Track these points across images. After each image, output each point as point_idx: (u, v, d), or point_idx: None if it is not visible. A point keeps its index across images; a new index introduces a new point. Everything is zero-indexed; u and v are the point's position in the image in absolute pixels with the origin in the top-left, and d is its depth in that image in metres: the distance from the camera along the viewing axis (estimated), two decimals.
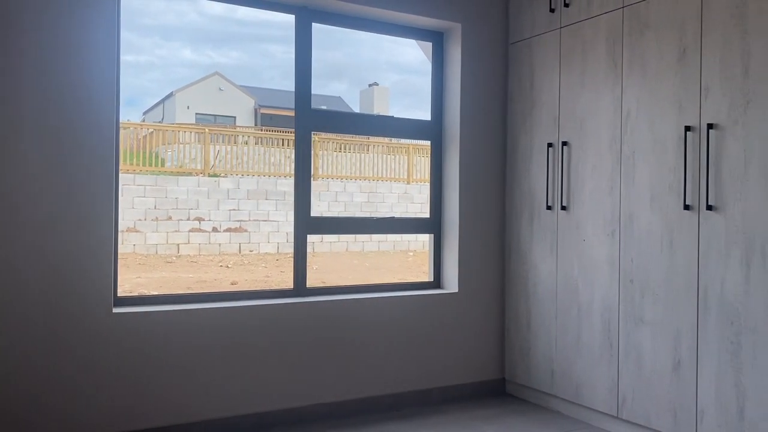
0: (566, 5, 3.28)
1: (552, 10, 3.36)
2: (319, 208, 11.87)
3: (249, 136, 13.81)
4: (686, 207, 2.69)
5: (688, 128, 2.69)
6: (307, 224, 3.33)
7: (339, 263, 10.99)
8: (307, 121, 3.34)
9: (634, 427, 2.95)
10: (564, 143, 3.31)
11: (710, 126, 2.60)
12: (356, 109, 26.26)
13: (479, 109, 3.65)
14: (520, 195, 3.61)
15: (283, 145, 13.21)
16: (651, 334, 2.85)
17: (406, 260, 11.77)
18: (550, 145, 3.39)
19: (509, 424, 3.17)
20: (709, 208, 2.61)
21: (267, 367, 3.07)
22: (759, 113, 2.44)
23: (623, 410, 2.97)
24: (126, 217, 10.64)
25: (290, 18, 3.32)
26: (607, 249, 3.07)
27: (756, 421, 2.44)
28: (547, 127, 3.43)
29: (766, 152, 2.42)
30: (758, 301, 2.44)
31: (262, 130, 17.11)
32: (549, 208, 3.39)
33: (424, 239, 11.10)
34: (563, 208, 3.31)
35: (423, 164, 13.84)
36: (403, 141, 13.93)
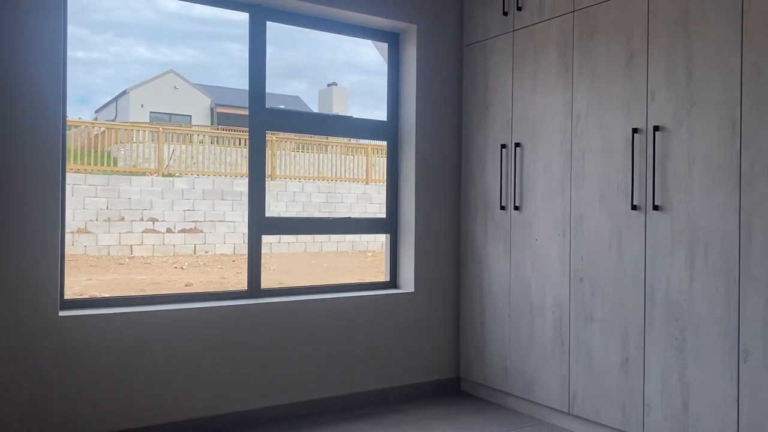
0: (519, 9, 3.33)
1: (505, 14, 3.41)
2: (276, 209, 11.77)
3: (205, 135, 13.59)
4: (633, 207, 2.76)
5: (635, 130, 2.76)
6: (261, 225, 3.30)
7: (297, 264, 10.92)
8: (261, 120, 3.31)
9: (584, 422, 3.02)
10: (517, 144, 3.36)
11: (656, 128, 2.68)
12: (315, 109, 26.14)
13: (435, 110, 3.67)
14: (474, 195, 3.65)
15: (239, 144, 13.05)
16: (600, 332, 2.91)
17: (364, 260, 11.77)
18: (503, 146, 3.44)
19: (464, 423, 3.20)
20: (655, 208, 2.68)
21: (220, 370, 3.03)
22: (702, 116, 2.52)
23: (574, 406, 3.03)
24: (76, 218, 10.35)
25: (246, 16, 3.28)
26: (558, 248, 3.13)
27: (699, 414, 2.52)
28: (500, 128, 3.47)
29: (709, 154, 2.50)
30: (701, 299, 2.52)
31: (218, 130, 16.87)
32: (503, 208, 3.44)
33: (383, 239, 11.12)
34: (516, 208, 3.36)
35: (382, 165, 13.87)
36: (362, 141, 13.94)
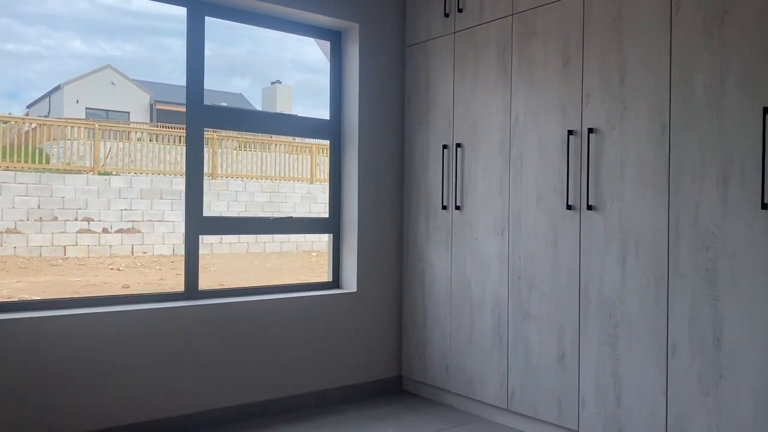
0: (460, 11, 3.37)
1: (446, 15, 3.44)
2: (218, 208, 11.55)
3: (143, 133, 13.20)
4: (569, 207, 2.83)
5: (570, 132, 2.83)
6: (199, 224, 3.22)
7: (239, 265, 10.75)
8: (199, 117, 3.23)
9: (522, 418, 3.08)
10: (458, 145, 3.39)
11: (590, 130, 2.75)
12: (258, 107, 25.79)
13: (377, 110, 3.67)
14: (417, 195, 3.67)
15: (179, 142, 12.73)
16: (537, 329, 2.98)
17: (309, 261, 11.69)
18: (445, 146, 3.47)
19: (405, 421, 3.21)
20: (589, 207, 2.76)
21: (155, 374, 2.95)
22: (634, 119, 2.61)
23: (512, 402, 3.09)
24: (5, 218, 9.88)
25: (184, 11, 3.20)
26: (497, 247, 3.18)
27: (631, 408, 2.61)
28: (442, 128, 3.50)
29: (640, 156, 2.59)
30: (633, 296, 2.61)
31: (157, 127, 16.42)
32: (444, 207, 3.47)
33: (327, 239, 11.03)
34: (457, 207, 3.40)
35: (327, 164, 13.78)
36: (307, 140, 13.83)
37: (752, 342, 2.25)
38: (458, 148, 3.40)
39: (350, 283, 3.64)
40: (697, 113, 2.41)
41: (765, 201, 2.21)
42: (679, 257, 2.46)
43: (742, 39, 2.28)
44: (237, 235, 11.19)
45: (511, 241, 3.11)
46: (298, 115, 3.70)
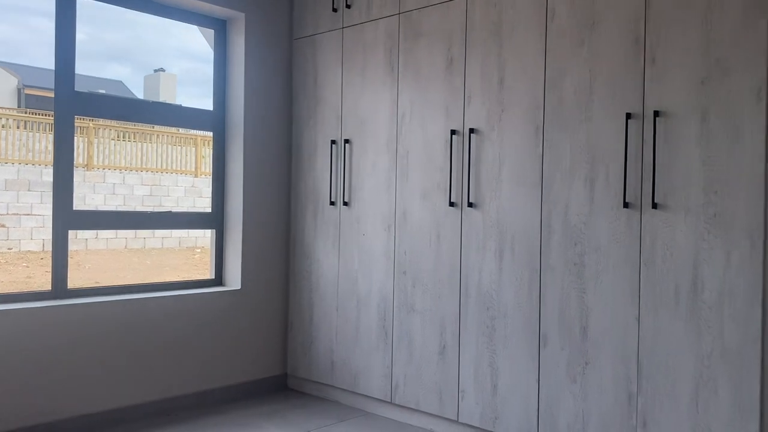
0: (348, 6, 3.37)
1: (335, 10, 3.43)
2: (94, 201, 10.86)
3: (9, 119, 12.16)
4: (451, 204, 2.92)
5: (453, 132, 2.92)
6: (68, 219, 3.01)
7: (116, 262, 10.18)
8: (68, 104, 3.02)
9: (405, 410, 3.14)
10: (346, 141, 3.40)
11: (472, 131, 2.85)
12: (140, 96, 24.53)
13: (264, 103, 3.60)
14: (304, 190, 3.64)
15: (50, 130, 11.84)
16: (421, 322, 3.05)
17: (192, 258, 11.28)
18: (333, 142, 3.46)
19: (289, 419, 3.18)
20: (470, 205, 2.86)
21: (18, 379, 2.72)
22: (511, 121, 2.73)
23: (396, 395, 3.14)
24: None
25: None
26: (383, 243, 3.22)
27: (506, 396, 2.74)
28: (330, 124, 3.49)
29: (516, 156, 2.71)
30: (508, 289, 2.73)
31: (26, 113, 15.18)
32: (332, 203, 3.47)
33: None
34: (345, 203, 3.40)
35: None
36: (192, 132, 13.32)
37: (614, 331, 2.42)
38: (346, 144, 3.40)
39: (234, 280, 3.55)
40: (567, 116, 2.56)
41: (627, 200, 2.39)
42: (550, 252, 2.60)
43: (609, 48, 2.45)
44: (115, 231, 10.61)
45: (398, 236, 3.16)
46: (181, 105, 3.54)
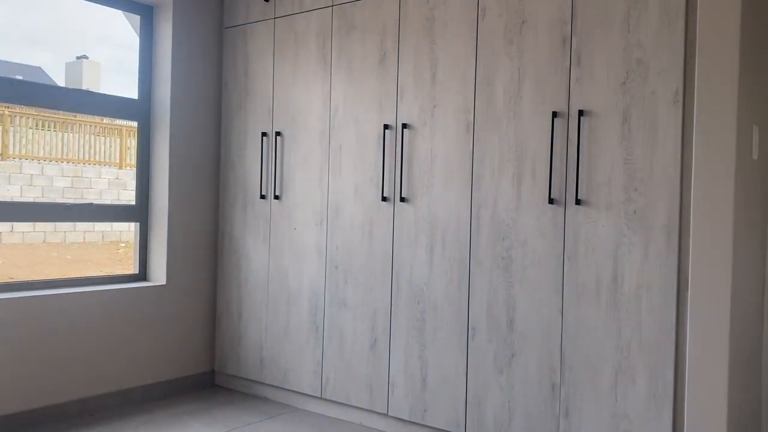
0: None
1: (266, 0, 3.37)
2: (9, 193, 10.28)
3: None
4: (384, 199, 2.93)
5: (386, 126, 2.92)
6: None
7: (33, 256, 9.68)
8: None
9: (336, 405, 3.13)
10: (278, 133, 3.34)
11: (404, 126, 2.86)
12: (61, 83, 23.39)
13: (192, 92, 3.49)
14: (234, 183, 3.56)
15: None
16: (352, 317, 3.04)
17: (116, 252, 10.87)
18: (264, 134, 3.40)
19: (216, 416, 3.11)
20: (402, 200, 2.87)
21: None
22: (443, 117, 2.76)
23: (326, 390, 3.13)
24: None
25: None
26: (315, 237, 3.19)
27: (435, 389, 2.77)
28: (261, 115, 3.43)
29: (448, 152, 2.74)
30: (439, 283, 2.76)
31: None
32: (263, 197, 3.41)
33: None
34: (276, 197, 3.35)
35: None
36: (117, 122, 12.80)
37: (539, 323, 2.49)
38: (278, 137, 3.35)
39: (159, 275, 3.43)
40: (497, 113, 2.60)
41: (552, 197, 2.46)
42: (479, 247, 2.65)
43: (537, 48, 2.51)
44: (32, 224, 10.11)
45: (330, 231, 3.14)
46: (103, 93, 3.39)
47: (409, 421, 2.87)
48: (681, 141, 2.21)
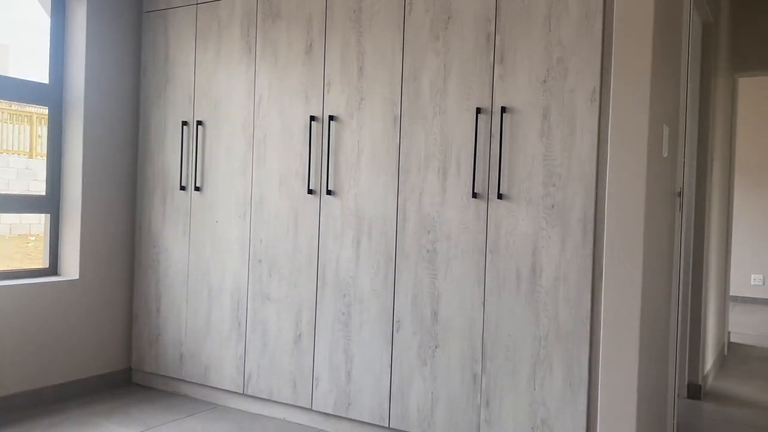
0: None
1: None
2: None
3: None
4: (310, 191, 2.89)
5: (313, 118, 2.89)
6: None
7: None
8: None
9: (258, 401, 3.08)
10: (199, 122, 3.24)
11: (331, 118, 2.84)
12: None
13: (108, 78, 3.33)
14: (152, 174, 3.43)
15: None
16: (276, 311, 2.99)
17: (25, 245, 10.28)
18: (185, 123, 3.29)
19: (132, 415, 2.99)
20: (329, 192, 2.85)
21: None
22: (370, 110, 2.75)
23: (249, 386, 3.07)
24: None
25: None
26: (238, 230, 3.12)
27: (360, 382, 2.77)
28: (182, 104, 3.31)
29: (375, 145, 2.74)
30: (365, 275, 2.76)
31: None
32: (183, 188, 3.30)
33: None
34: (197, 188, 3.25)
35: None
36: (27, 107, 12.09)
37: (461, 314, 2.54)
38: (199, 126, 3.25)
39: (71, 269, 3.26)
40: (423, 108, 2.62)
41: (475, 191, 2.51)
42: (405, 240, 2.66)
43: (461, 44, 2.54)
44: None
45: (253, 224, 3.07)
46: (11, 76, 3.18)
47: (333, 415, 2.86)
48: (597, 138, 2.29)
